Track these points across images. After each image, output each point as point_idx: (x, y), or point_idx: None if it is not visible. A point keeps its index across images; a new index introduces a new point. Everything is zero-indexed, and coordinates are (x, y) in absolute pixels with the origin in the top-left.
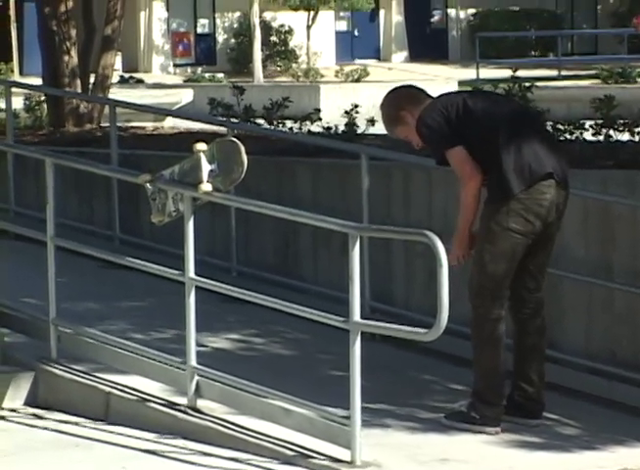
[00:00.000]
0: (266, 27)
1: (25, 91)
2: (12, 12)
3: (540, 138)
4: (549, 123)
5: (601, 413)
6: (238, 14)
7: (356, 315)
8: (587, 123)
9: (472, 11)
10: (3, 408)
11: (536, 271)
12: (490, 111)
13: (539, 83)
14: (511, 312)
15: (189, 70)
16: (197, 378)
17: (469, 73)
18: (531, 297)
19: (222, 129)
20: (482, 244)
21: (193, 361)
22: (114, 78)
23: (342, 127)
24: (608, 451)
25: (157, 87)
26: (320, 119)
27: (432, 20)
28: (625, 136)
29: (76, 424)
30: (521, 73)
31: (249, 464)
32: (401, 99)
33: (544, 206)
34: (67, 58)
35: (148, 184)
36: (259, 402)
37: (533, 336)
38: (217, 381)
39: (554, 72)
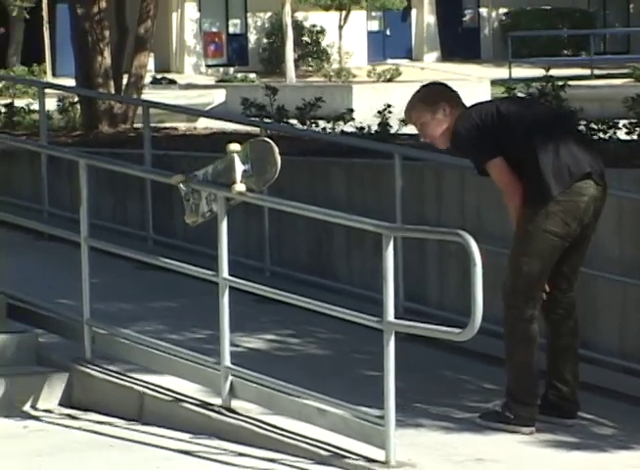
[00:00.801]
0: (298, 27)
1: (59, 92)
2: (44, 13)
3: (575, 138)
4: (582, 123)
5: (636, 413)
6: (270, 14)
7: (390, 315)
8: (621, 122)
9: (503, 10)
10: (38, 409)
11: (570, 272)
12: (523, 115)
13: (572, 82)
14: (543, 313)
15: (221, 70)
16: (231, 378)
17: (501, 73)
18: (564, 297)
19: (255, 130)
20: (519, 245)
21: (227, 361)
22: (147, 79)
23: (374, 127)
24: None
25: (189, 88)
26: (353, 119)
27: (463, 19)
28: None
29: (110, 424)
30: (553, 73)
31: (283, 464)
32: (441, 92)
33: (582, 208)
34: (99, 59)
35: (181, 185)
36: (294, 403)
37: (566, 337)
38: (251, 381)
39: (587, 72)
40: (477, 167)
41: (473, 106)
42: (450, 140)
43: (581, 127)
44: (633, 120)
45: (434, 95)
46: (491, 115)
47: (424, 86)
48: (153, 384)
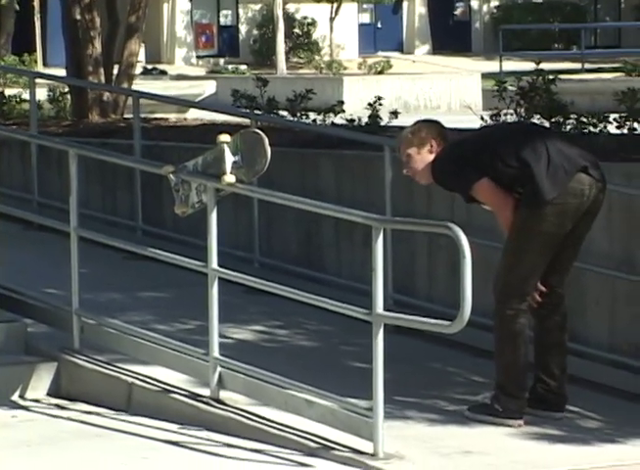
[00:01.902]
0: (289, 19)
1: (49, 82)
2: (35, 3)
3: (561, 141)
4: (573, 116)
5: (623, 407)
6: (260, 5)
7: (379, 308)
8: (611, 116)
9: (495, 3)
10: (26, 399)
11: (561, 268)
12: (503, 134)
13: (563, 76)
14: (531, 307)
15: (212, 61)
16: (219, 369)
17: (492, 66)
18: (553, 292)
19: (246, 121)
20: (512, 243)
21: (216, 352)
22: (138, 70)
23: (365, 119)
24: (630, 445)
25: (180, 79)
26: (343, 111)
27: (455, 12)
28: None
29: (99, 415)
30: (544, 66)
31: (271, 455)
32: (432, 129)
33: (579, 208)
34: (90, 48)
35: (171, 175)
36: (282, 394)
37: (555, 331)
38: (240, 372)
39: (577, 65)
40: (464, 196)
41: (452, 142)
42: (432, 176)
43: (571, 121)
44: (623, 114)
45: (425, 131)
46: (469, 142)
47: (418, 122)
48: (141, 374)
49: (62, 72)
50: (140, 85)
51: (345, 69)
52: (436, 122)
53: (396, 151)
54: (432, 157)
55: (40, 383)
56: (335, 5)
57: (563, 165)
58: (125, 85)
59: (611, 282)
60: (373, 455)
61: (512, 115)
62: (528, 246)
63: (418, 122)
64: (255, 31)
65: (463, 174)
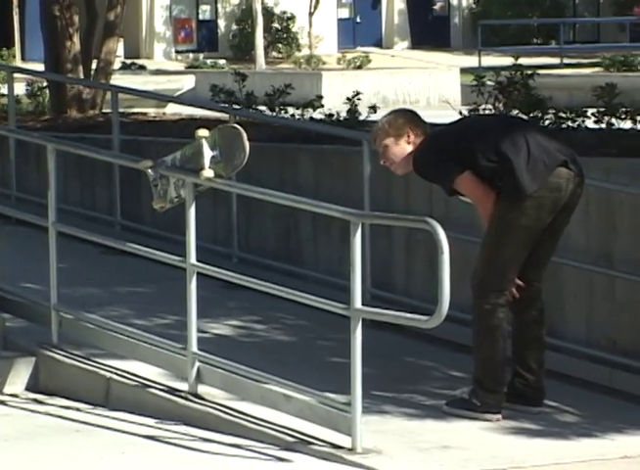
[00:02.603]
0: (268, 14)
1: (28, 77)
2: None
3: (541, 134)
4: (551, 111)
5: (601, 401)
6: (239, 0)
7: (357, 302)
8: (589, 111)
9: None
10: (4, 393)
11: (539, 262)
12: (483, 126)
13: (541, 71)
14: (509, 301)
15: (191, 56)
16: (198, 364)
17: (471, 61)
18: (530, 286)
19: (224, 116)
20: (491, 236)
21: (194, 347)
22: (117, 65)
23: (343, 114)
24: (608, 439)
25: (159, 73)
26: (322, 106)
27: (434, 7)
28: (628, 124)
29: (77, 410)
30: (523, 61)
31: (249, 450)
32: (408, 119)
33: (557, 202)
34: (69, 43)
35: (149, 170)
36: (260, 389)
37: (532, 325)
38: (218, 367)
39: (556, 60)
40: (445, 189)
41: (432, 133)
42: (413, 168)
43: (549, 116)
44: (602, 109)
45: (401, 121)
46: (450, 134)
47: (393, 111)
48: (119, 369)
49: (40, 67)
50: (119, 80)
51: (324, 63)
52: (411, 112)
53: (372, 142)
54: (409, 148)
55: (18, 378)
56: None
57: (542, 159)
58: (103, 81)
59: (588, 276)
60: (351, 450)
61: (490, 109)
62: (507, 239)
63: (393, 112)
64: (234, 26)
65: (445, 167)
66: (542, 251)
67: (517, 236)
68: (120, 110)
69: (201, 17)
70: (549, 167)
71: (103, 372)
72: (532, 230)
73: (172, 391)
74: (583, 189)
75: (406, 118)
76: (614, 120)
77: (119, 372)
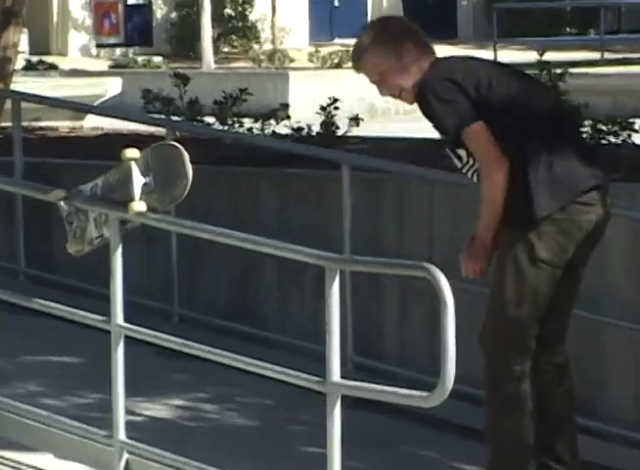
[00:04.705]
0: None
1: None
2: None
3: (579, 144)
4: (588, 123)
5: None
6: None
7: (335, 374)
8: (638, 123)
9: None
10: None
11: (559, 316)
12: (524, 101)
13: (575, 70)
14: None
15: (117, 52)
16: (126, 456)
17: (484, 56)
18: (553, 352)
19: (160, 130)
20: (503, 279)
21: (122, 435)
22: (19, 63)
23: (316, 128)
24: None
25: (75, 75)
26: (289, 117)
27: None
28: None
29: None
30: (550, 57)
31: None
32: (403, 28)
33: (584, 228)
34: None
35: (62, 202)
36: None
37: (559, 403)
38: (153, 460)
39: (595, 55)
40: (449, 134)
41: (451, 58)
42: (416, 93)
43: (586, 129)
44: None
45: (396, 33)
46: (477, 82)
47: (376, 22)
48: (25, 464)
49: None
50: (22, 84)
51: (292, 61)
52: (403, 20)
53: (355, 67)
54: (412, 65)
55: None
56: None
57: (568, 177)
58: (1, 86)
59: (636, 339)
60: None
61: None
62: (525, 280)
63: (378, 23)
64: (174, 13)
65: (461, 109)
66: (558, 303)
67: (537, 275)
68: (24, 123)
69: (130, 0)
70: (575, 189)
71: (6, 469)
72: (555, 266)
73: None
74: (609, 218)
75: (400, 28)
76: None
77: (26, 468)
